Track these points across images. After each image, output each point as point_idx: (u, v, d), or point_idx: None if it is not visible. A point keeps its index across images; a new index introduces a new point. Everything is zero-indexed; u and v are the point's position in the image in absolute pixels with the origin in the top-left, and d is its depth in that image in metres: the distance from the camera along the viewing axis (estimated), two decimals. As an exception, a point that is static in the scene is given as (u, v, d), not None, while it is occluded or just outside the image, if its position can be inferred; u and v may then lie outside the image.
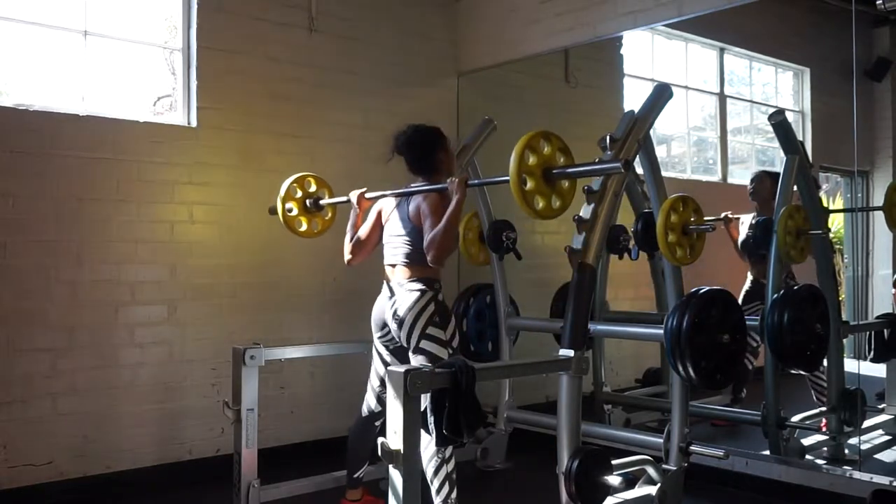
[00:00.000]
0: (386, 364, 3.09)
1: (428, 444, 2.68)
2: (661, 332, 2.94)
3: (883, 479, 3.06)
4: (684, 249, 3.05)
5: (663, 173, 3.31)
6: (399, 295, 2.95)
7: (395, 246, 3.03)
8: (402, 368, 2.18)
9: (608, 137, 2.97)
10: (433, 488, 2.78)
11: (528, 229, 4.45)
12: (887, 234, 3.97)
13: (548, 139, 2.39)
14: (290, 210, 3.56)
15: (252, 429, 3.15)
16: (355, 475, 3.20)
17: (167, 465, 3.75)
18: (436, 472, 2.78)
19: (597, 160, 2.91)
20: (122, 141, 3.65)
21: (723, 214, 4.38)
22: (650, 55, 5.07)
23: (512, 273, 4.09)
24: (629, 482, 3.10)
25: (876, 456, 3.72)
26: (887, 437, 3.83)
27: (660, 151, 4.76)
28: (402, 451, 2.14)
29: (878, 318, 3.94)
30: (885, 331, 3.78)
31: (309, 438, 4.18)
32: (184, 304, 3.82)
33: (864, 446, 3.62)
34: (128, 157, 3.66)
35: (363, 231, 3.19)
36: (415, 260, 2.94)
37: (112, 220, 3.62)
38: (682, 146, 5.33)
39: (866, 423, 3.79)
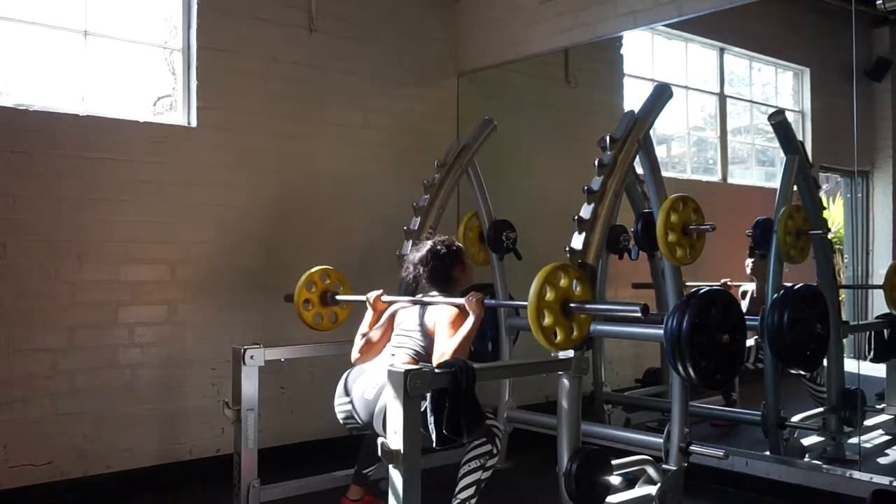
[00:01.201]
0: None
1: (483, 443, 2.71)
2: (661, 332, 2.93)
3: (883, 479, 3.07)
4: (684, 249, 3.05)
5: (663, 173, 3.30)
6: (388, 368, 2.91)
7: (401, 343, 3.03)
8: (402, 368, 2.18)
9: (608, 137, 2.98)
10: (459, 485, 2.77)
11: (528, 229, 4.45)
12: (887, 234, 3.98)
13: (564, 271, 2.41)
14: (307, 304, 3.59)
15: (252, 429, 3.16)
16: (364, 471, 3.20)
17: (167, 465, 3.75)
18: (470, 472, 2.76)
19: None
20: (122, 141, 3.65)
21: (721, 281, 4.37)
22: (650, 55, 5.07)
23: (512, 273, 4.09)
24: (629, 482, 3.10)
25: (876, 456, 3.72)
26: (887, 437, 3.83)
27: (660, 151, 4.75)
28: (402, 451, 2.14)
29: (878, 318, 3.94)
30: (885, 331, 3.78)
31: (309, 438, 4.18)
32: (184, 304, 3.82)
33: (864, 446, 3.62)
34: (128, 157, 3.66)
35: (375, 333, 3.15)
36: (420, 360, 2.92)
37: (112, 220, 3.62)
38: (682, 146, 5.33)
39: (866, 423, 3.79)
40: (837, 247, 4.22)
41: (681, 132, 5.25)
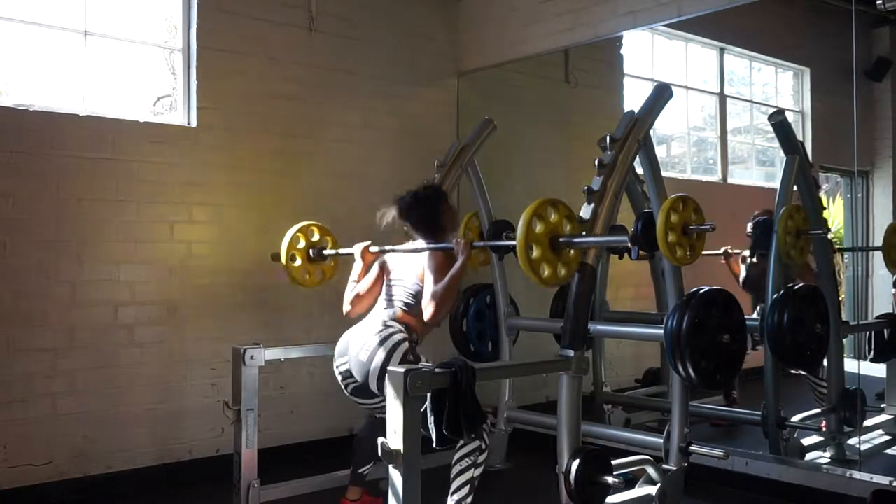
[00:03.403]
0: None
1: (472, 440, 2.72)
2: (661, 332, 2.94)
3: (883, 479, 3.07)
4: (684, 249, 3.04)
5: (663, 173, 3.31)
6: (379, 326, 2.93)
7: (394, 295, 3.04)
8: (401, 368, 2.18)
9: (608, 137, 2.98)
10: (452, 485, 2.78)
11: (528, 229, 4.44)
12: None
13: (555, 207, 2.42)
14: (294, 259, 3.59)
15: (252, 429, 3.16)
16: (359, 471, 3.21)
17: (167, 465, 3.75)
18: (461, 472, 2.78)
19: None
20: (122, 141, 3.65)
21: (722, 249, 4.39)
22: (650, 55, 5.07)
23: (512, 273, 4.09)
24: (629, 482, 3.10)
25: (876, 456, 3.72)
26: (887, 437, 3.83)
27: (660, 151, 4.75)
28: (402, 451, 2.14)
29: (878, 318, 3.94)
30: (885, 331, 3.79)
31: (309, 438, 4.18)
32: (184, 304, 3.82)
33: (864, 446, 3.62)
34: (128, 157, 3.66)
35: (365, 284, 3.19)
36: (412, 311, 2.96)
37: (112, 220, 3.62)
38: (682, 146, 5.33)
39: (866, 424, 3.79)
40: (838, 247, 4.22)
41: (681, 132, 5.25)
